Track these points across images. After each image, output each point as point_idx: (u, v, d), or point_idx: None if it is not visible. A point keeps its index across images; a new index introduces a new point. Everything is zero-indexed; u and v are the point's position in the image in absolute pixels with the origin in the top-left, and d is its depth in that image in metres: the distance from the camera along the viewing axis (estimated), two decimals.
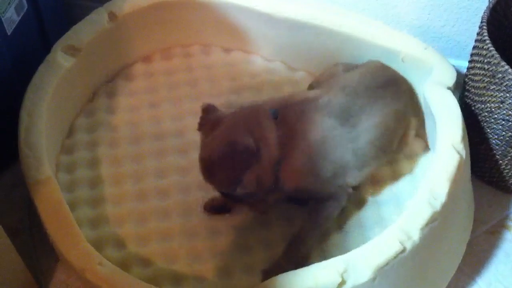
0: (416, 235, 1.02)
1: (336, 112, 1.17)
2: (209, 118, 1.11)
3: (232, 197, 1.10)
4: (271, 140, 1.08)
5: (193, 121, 1.41)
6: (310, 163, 1.13)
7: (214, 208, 1.27)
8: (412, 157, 1.33)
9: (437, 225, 1.05)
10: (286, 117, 1.13)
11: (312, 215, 1.18)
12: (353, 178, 1.18)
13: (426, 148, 1.33)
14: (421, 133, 1.33)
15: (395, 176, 1.31)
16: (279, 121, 1.11)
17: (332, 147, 1.15)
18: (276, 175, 1.09)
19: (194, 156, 1.35)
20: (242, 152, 1.03)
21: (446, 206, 1.06)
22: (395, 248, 1.00)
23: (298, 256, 1.15)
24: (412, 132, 1.29)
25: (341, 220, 1.24)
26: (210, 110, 1.12)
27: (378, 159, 1.21)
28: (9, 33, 1.31)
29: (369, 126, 1.18)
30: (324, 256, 1.06)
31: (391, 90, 1.24)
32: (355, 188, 1.21)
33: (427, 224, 1.03)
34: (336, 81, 1.25)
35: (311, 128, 1.14)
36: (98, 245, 1.19)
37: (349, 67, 1.33)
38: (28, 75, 1.30)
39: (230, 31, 1.55)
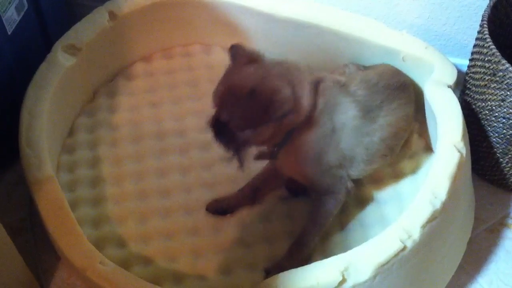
0: (416, 234, 1.02)
1: (361, 102, 1.17)
2: (246, 52, 1.10)
3: (230, 134, 1.07)
4: (304, 106, 1.08)
5: (194, 120, 1.43)
6: (320, 146, 1.13)
7: (217, 210, 1.27)
8: (413, 157, 1.33)
9: (437, 224, 1.05)
10: (322, 91, 1.13)
11: (312, 214, 1.18)
12: (356, 171, 1.19)
13: (427, 147, 1.33)
14: (422, 133, 1.33)
15: (396, 175, 1.31)
16: (316, 93, 1.12)
17: (348, 136, 1.15)
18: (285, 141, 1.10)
19: (195, 155, 1.36)
20: (279, 104, 1.02)
21: (446, 204, 1.06)
22: (395, 246, 1.00)
23: (301, 257, 1.15)
24: (415, 137, 1.29)
25: (342, 219, 1.24)
26: (240, 48, 1.11)
27: (384, 157, 1.21)
28: (9, 33, 1.31)
29: (385, 123, 1.18)
30: (325, 255, 1.05)
31: (405, 93, 1.25)
32: (354, 182, 1.20)
33: (427, 223, 1.03)
34: (356, 76, 1.25)
35: (338, 112, 1.14)
36: (99, 244, 1.19)
37: (360, 68, 1.32)
38: (29, 74, 1.30)
39: (231, 31, 1.55)
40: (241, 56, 1.09)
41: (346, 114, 1.15)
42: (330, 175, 1.16)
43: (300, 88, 1.08)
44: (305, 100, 1.09)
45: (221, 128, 1.07)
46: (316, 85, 1.12)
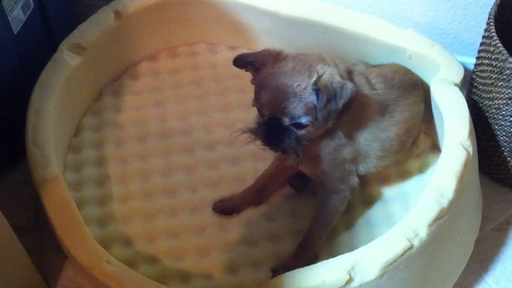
0: (423, 232, 1.01)
1: (381, 96, 1.17)
2: (268, 52, 1.09)
3: (284, 135, 1.06)
4: None
5: (199, 119, 1.43)
6: (344, 138, 1.13)
7: (223, 210, 1.27)
8: (420, 156, 1.32)
9: (444, 222, 1.05)
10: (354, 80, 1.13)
11: (318, 213, 1.18)
12: (366, 167, 1.18)
13: (434, 146, 1.33)
14: (429, 131, 1.32)
15: (403, 174, 1.30)
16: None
17: (367, 131, 1.14)
18: None
19: (201, 154, 1.37)
20: (347, 94, 1.04)
21: (453, 203, 1.05)
22: (402, 245, 1.00)
23: (307, 257, 1.14)
24: (422, 136, 1.28)
25: (349, 218, 1.24)
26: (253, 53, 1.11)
27: (396, 154, 1.21)
28: (15, 32, 1.32)
29: (400, 119, 1.18)
30: (331, 254, 1.05)
31: (418, 91, 1.25)
32: (361, 181, 1.19)
33: (434, 221, 1.03)
34: (372, 71, 1.24)
35: (365, 105, 1.14)
36: (105, 243, 1.19)
37: (368, 66, 1.32)
38: (35, 74, 1.31)
39: (236, 30, 1.55)
40: (265, 57, 1.08)
41: (372, 108, 1.15)
42: (342, 168, 1.15)
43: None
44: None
45: (275, 132, 1.06)
46: (350, 75, 1.12)
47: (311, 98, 1.03)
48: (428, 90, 1.29)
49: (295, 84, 1.03)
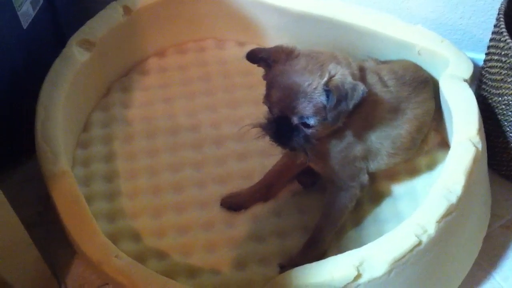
0: (432, 229, 1.01)
1: (393, 93, 1.16)
2: (281, 48, 1.08)
3: (293, 132, 1.06)
4: None
5: (207, 115, 1.44)
6: (357, 136, 1.12)
7: (231, 205, 1.27)
8: (429, 152, 1.32)
9: (453, 219, 1.04)
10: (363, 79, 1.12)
11: (327, 209, 1.18)
12: (377, 165, 1.18)
13: (443, 143, 1.32)
14: (437, 128, 1.32)
15: (411, 170, 1.30)
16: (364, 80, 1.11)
17: (379, 129, 1.14)
18: None
19: (209, 150, 1.37)
20: (358, 94, 1.03)
21: (462, 199, 1.05)
22: (411, 241, 0.99)
23: (316, 253, 1.14)
24: (432, 133, 1.28)
25: (357, 214, 1.23)
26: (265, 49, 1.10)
27: (407, 151, 1.20)
28: (25, 27, 1.32)
29: (412, 116, 1.18)
30: (340, 250, 1.05)
31: (428, 88, 1.25)
32: (369, 177, 1.19)
33: (443, 218, 1.02)
34: (383, 67, 1.23)
35: (377, 103, 1.13)
36: (114, 238, 1.19)
37: (378, 63, 1.31)
38: (44, 69, 1.31)
39: (244, 25, 1.55)
40: (278, 54, 1.08)
41: (385, 105, 1.14)
42: (352, 166, 1.15)
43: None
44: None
45: (284, 130, 1.06)
46: (363, 73, 1.12)
47: (321, 98, 1.02)
48: (437, 86, 1.28)
49: (306, 84, 1.02)
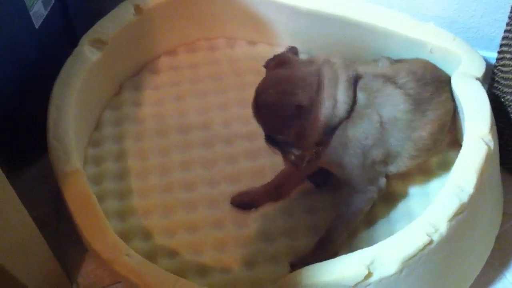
0: (443, 228, 1.00)
1: (413, 95, 1.14)
2: (279, 56, 1.12)
3: (273, 141, 1.11)
4: (338, 102, 1.07)
5: (218, 114, 1.44)
6: (370, 140, 1.11)
7: (241, 204, 1.27)
8: (440, 151, 1.31)
9: (464, 218, 1.03)
10: (367, 86, 1.12)
11: (341, 210, 1.17)
12: (398, 167, 1.17)
13: (455, 141, 1.31)
14: (450, 127, 1.31)
15: (423, 169, 1.29)
16: (359, 88, 1.11)
17: (398, 130, 1.13)
18: (329, 138, 1.10)
19: (220, 149, 1.37)
20: (291, 106, 1.03)
21: (473, 198, 1.04)
22: (422, 240, 0.99)
23: (328, 254, 1.13)
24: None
25: (369, 213, 1.22)
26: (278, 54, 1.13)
27: (428, 152, 1.19)
28: (37, 27, 1.33)
29: (434, 117, 1.16)
30: (351, 249, 1.05)
31: (449, 87, 1.23)
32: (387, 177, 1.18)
33: (454, 216, 1.02)
34: (402, 68, 1.21)
35: (388, 105, 1.12)
36: (125, 236, 1.20)
37: (392, 62, 1.30)
38: (56, 68, 1.32)
39: (255, 24, 1.55)
40: (273, 60, 1.11)
41: (398, 107, 1.13)
42: (372, 170, 1.14)
43: (330, 86, 1.07)
44: (341, 97, 1.07)
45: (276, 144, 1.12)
46: (355, 80, 1.11)
47: (297, 119, 1.04)
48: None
49: (284, 105, 1.04)
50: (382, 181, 1.16)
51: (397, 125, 1.13)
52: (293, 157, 1.11)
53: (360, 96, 1.10)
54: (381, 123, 1.11)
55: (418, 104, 1.15)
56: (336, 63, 1.11)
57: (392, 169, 1.17)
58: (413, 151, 1.16)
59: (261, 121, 1.09)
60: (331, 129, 1.09)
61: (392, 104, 1.13)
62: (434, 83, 1.19)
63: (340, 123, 1.09)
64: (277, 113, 1.05)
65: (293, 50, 1.15)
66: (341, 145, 1.11)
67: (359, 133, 1.10)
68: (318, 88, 1.06)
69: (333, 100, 1.07)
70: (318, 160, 1.14)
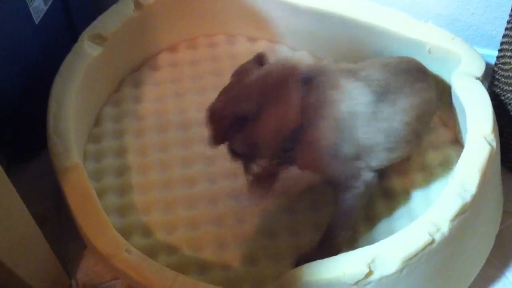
0: (445, 227, 1.00)
1: (375, 86, 1.11)
2: (244, 67, 1.11)
3: (235, 153, 1.11)
4: (288, 106, 1.04)
5: None
6: (332, 140, 1.08)
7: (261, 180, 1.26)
8: (440, 149, 1.31)
9: (467, 217, 1.03)
10: (321, 84, 1.09)
11: (336, 209, 1.16)
12: (378, 161, 1.13)
13: (455, 140, 1.31)
14: (449, 125, 1.31)
15: (424, 168, 1.29)
16: (312, 87, 1.08)
17: (362, 124, 1.09)
18: (293, 144, 1.08)
19: (220, 145, 1.36)
20: (231, 115, 1.02)
21: (476, 198, 1.04)
22: (424, 239, 0.99)
23: (330, 251, 1.13)
24: (440, 128, 1.25)
25: (369, 211, 1.23)
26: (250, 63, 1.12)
27: (409, 143, 1.16)
28: (37, 22, 1.32)
29: (407, 106, 1.12)
30: (351, 247, 1.05)
31: (426, 77, 1.20)
32: (382, 174, 1.17)
33: (457, 216, 1.01)
34: (374, 61, 1.20)
35: (345, 100, 1.09)
36: (125, 232, 1.20)
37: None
38: (56, 64, 1.31)
39: (255, 21, 1.55)
40: (239, 70, 1.11)
41: (357, 100, 1.10)
42: (349, 167, 1.11)
43: (278, 91, 1.04)
44: (292, 98, 1.04)
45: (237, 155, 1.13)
46: (308, 80, 1.08)
47: (240, 127, 1.04)
48: (443, 83, 1.27)
49: (225, 114, 1.04)
50: (368, 175, 1.12)
51: (360, 119, 1.09)
52: (254, 169, 1.13)
53: (313, 95, 1.07)
54: (340, 119, 1.08)
55: (383, 94, 1.11)
56: (293, 65, 1.09)
57: (373, 163, 1.13)
58: (388, 143, 1.12)
59: (209, 130, 1.07)
60: (290, 134, 1.06)
61: (351, 99, 1.09)
62: (408, 73, 1.16)
63: (298, 125, 1.05)
64: (219, 121, 1.04)
65: (259, 58, 1.12)
66: (309, 147, 1.09)
67: (318, 134, 1.08)
68: (266, 95, 1.03)
69: (282, 105, 1.03)
70: (298, 164, 1.13)
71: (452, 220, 1.01)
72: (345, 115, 1.08)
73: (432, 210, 1.03)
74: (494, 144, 1.11)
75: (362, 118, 1.09)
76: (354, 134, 1.09)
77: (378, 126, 1.11)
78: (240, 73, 1.09)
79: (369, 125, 1.10)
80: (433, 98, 1.20)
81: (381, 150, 1.13)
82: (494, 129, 1.13)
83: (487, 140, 1.11)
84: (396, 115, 1.12)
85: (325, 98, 1.08)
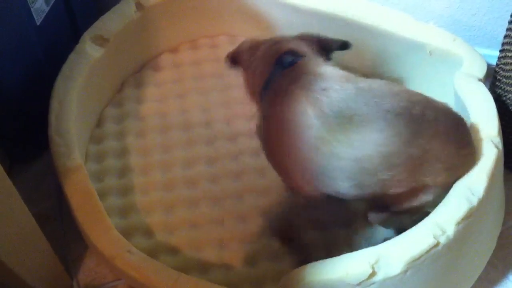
0: (451, 230, 0.99)
1: (337, 107, 0.96)
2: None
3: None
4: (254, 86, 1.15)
5: (220, 111, 1.43)
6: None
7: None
8: None
9: (472, 221, 1.02)
10: (298, 73, 1.04)
11: None
12: (349, 190, 1.00)
13: None
14: None
15: None
16: (290, 72, 1.06)
17: (320, 152, 0.98)
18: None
19: (221, 146, 1.36)
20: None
21: (483, 201, 1.03)
22: (428, 242, 0.98)
23: None
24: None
25: None
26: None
27: (389, 170, 0.96)
28: (38, 23, 1.32)
29: (374, 129, 0.95)
30: (355, 248, 1.04)
31: (403, 123, 0.96)
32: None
33: (463, 220, 1.00)
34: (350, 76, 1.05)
35: (299, 122, 0.99)
36: (127, 233, 1.20)
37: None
38: (58, 65, 1.31)
39: (257, 22, 1.55)
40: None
41: (312, 124, 0.97)
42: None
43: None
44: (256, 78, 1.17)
45: None
46: (287, 65, 1.10)
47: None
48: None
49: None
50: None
51: (313, 146, 0.99)
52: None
53: (286, 85, 1.05)
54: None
55: (347, 118, 0.96)
56: (281, 43, 1.18)
57: (345, 192, 1.02)
58: (354, 173, 0.98)
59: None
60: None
61: (304, 126, 1.00)
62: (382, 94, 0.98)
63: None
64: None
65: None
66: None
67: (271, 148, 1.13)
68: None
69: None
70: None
71: (458, 224, 0.99)
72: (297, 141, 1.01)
73: (438, 213, 1.02)
74: (500, 146, 1.10)
75: (318, 144, 0.98)
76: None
77: (342, 154, 0.97)
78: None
79: (329, 152, 0.97)
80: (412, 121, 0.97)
81: (345, 179, 1.00)
82: (499, 131, 1.12)
83: (493, 143, 1.09)
84: (364, 141, 0.96)
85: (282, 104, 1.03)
